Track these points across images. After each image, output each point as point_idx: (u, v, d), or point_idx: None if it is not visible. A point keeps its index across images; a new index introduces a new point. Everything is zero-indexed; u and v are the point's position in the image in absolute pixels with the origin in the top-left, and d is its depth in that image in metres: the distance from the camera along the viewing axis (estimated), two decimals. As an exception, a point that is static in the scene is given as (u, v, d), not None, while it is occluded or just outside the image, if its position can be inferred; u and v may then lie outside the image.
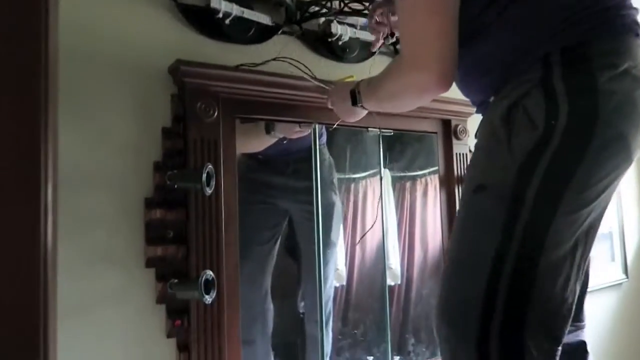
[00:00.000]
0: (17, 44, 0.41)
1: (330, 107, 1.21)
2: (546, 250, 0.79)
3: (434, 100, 1.44)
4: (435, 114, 1.50)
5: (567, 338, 0.99)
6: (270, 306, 1.44)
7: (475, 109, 1.04)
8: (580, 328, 1.08)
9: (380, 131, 1.44)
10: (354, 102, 1.09)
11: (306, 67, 1.25)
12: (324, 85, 1.23)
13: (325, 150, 1.53)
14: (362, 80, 1.09)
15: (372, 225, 1.54)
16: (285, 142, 1.44)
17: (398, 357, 1.50)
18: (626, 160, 0.83)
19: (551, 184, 0.79)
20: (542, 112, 0.79)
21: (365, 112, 1.15)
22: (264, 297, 1.42)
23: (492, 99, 0.92)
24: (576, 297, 0.85)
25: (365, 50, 1.48)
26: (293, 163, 1.48)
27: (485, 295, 0.79)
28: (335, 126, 1.32)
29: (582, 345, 1.07)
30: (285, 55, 1.25)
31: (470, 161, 0.96)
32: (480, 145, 0.93)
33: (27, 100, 0.42)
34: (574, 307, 0.84)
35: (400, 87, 0.93)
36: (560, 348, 0.82)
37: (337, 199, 1.55)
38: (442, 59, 0.84)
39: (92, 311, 1.02)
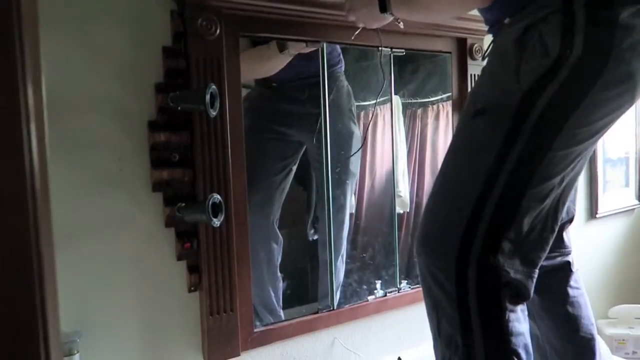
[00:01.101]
0: None
1: (348, 14, 1.14)
2: (534, 182, 0.79)
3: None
4: (450, 31, 1.42)
5: (550, 261, 1.05)
6: (278, 235, 1.44)
7: (487, 28, 0.99)
8: (565, 254, 1.11)
9: (392, 51, 1.37)
10: (383, 9, 1.04)
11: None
12: None
13: (343, 77, 1.48)
14: None
15: (359, 149, 1.50)
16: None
17: (405, 281, 1.52)
18: (629, 102, 0.81)
19: (552, 116, 0.77)
20: (557, 41, 0.76)
21: (391, 18, 1.08)
22: (271, 225, 1.42)
23: (507, 20, 0.88)
24: (556, 227, 0.85)
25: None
26: (308, 88, 1.42)
27: (469, 219, 0.80)
28: (347, 43, 1.25)
29: (566, 265, 1.10)
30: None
31: (474, 85, 0.94)
32: (487, 69, 0.90)
33: None
34: (553, 236, 0.85)
35: None
36: (537, 270, 0.84)
37: (355, 128, 1.51)
38: None
39: (102, 235, 1.02)
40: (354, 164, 1.52)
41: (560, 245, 1.08)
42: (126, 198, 1.04)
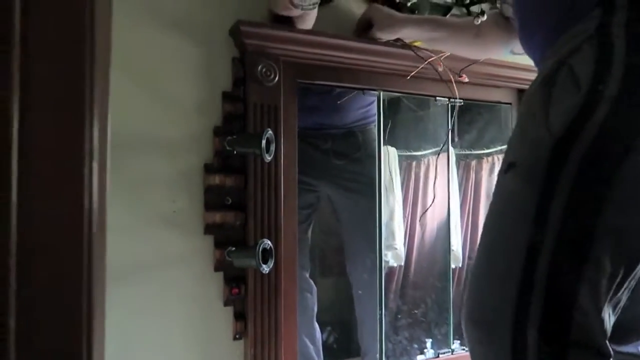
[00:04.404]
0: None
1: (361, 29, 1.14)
2: (595, 241, 0.62)
3: (510, 67, 1.34)
4: (510, 82, 1.39)
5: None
6: (311, 284, 1.41)
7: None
8: None
9: (449, 101, 1.35)
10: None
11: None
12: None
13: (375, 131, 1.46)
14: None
15: (432, 203, 1.46)
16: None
17: (459, 342, 1.42)
18: None
19: (594, 168, 0.63)
20: (589, 70, 0.64)
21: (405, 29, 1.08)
22: (302, 274, 1.39)
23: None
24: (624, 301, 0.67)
25: (437, 11, 1.38)
26: (332, 139, 1.42)
27: (518, 299, 0.65)
28: (404, 92, 1.24)
29: None
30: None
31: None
32: (518, 117, 0.78)
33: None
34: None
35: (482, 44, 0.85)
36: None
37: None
38: None
39: (152, 275, 1.02)
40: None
41: None
42: (178, 239, 1.04)
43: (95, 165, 0.33)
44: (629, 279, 0.66)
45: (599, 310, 0.64)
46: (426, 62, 1.15)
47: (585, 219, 0.63)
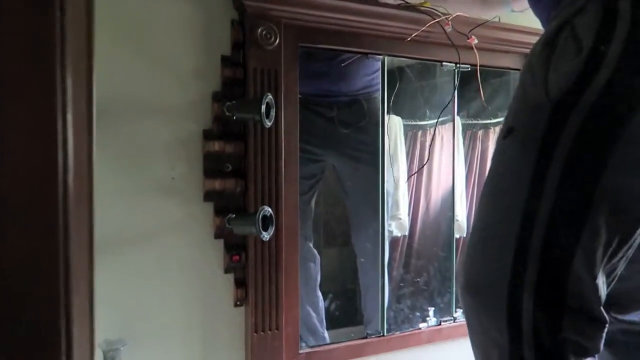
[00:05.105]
0: None
1: None
2: (592, 207, 0.60)
3: (519, 32, 1.30)
4: (519, 47, 1.34)
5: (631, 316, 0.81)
6: (314, 254, 1.40)
7: None
8: None
9: (456, 66, 1.31)
10: None
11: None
12: None
13: (379, 101, 1.43)
14: None
15: (420, 168, 1.43)
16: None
17: (461, 310, 1.42)
18: None
19: (594, 130, 0.60)
20: (593, 30, 0.61)
21: None
22: (305, 244, 1.38)
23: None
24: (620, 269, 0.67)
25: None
26: (338, 107, 1.39)
27: (514, 266, 0.64)
28: (409, 56, 1.19)
29: None
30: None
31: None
32: (519, 80, 0.74)
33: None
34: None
35: None
36: (605, 329, 0.66)
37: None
38: None
39: (150, 243, 1.01)
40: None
41: None
42: (177, 206, 1.03)
43: (69, 118, 0.31)
44: (625, 248, 0.65)
45: (594, 277, 0.63)
46: (434, 21, 1.10)
47: (584, 183, 0.61)
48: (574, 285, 0.63)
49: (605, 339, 0.67)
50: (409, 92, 1.50)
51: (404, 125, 1.55)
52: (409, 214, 1.57)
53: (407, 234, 1.59)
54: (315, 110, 1.38)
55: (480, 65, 1.24)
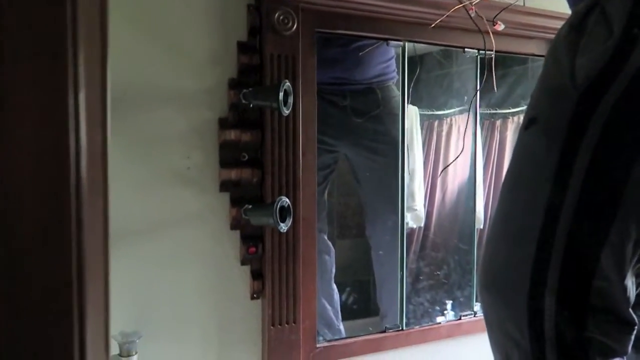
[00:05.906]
0: None
1: None
2: (621, 202, 0.57)
3: (545, 16, 1.25)
4: (545, 32, 1.29)
5: None
6: (329, 246, 1.38)
7: None
8: None
9: (479, 53, 1.26)
10: None
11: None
12: None
13: (395, 88, 1.39)
14: None
15: (455, 158, 1.39)
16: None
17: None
18: None
19: (626, 118, 0.57)
20: (625, 11, 0.57)
21: None
22: (319, 236, 1.35)
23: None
24: None
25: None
26: (350, 95, 1.35)
27: (535, 262, 0.61)
28: (430, 42, 1.15)
29: None
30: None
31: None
32: (543, 66, 0.70)
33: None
34: None
35: None
36: (634, 332, 0.62)
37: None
38: None
39: (165, 234, 0.99)
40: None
41: None
42: (193, 196, 1.00)
43: (82, 104, 0.28)
44: None
45: (622, 277, 0.59)
46: (460, 5, 1.06)
47: (614, 176, 0.58)
48: (600, 284, 0.59)
49: (633, 341, 0.64)
50: (427, 81, 1.47)
51: (420, 115, 1.51)
52: (424, 206, 1.54)
53: (422, 225, 1.56)
54: (327, 98, 1.35)
55: (504, 52, 1.20)
